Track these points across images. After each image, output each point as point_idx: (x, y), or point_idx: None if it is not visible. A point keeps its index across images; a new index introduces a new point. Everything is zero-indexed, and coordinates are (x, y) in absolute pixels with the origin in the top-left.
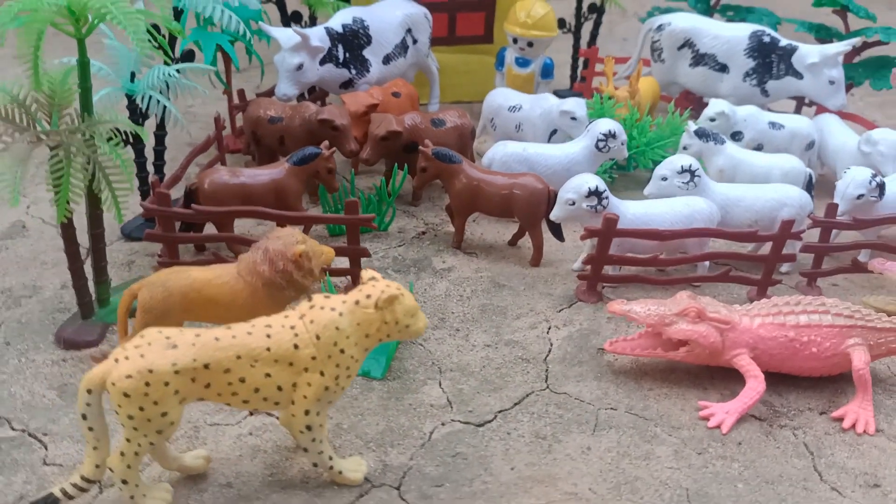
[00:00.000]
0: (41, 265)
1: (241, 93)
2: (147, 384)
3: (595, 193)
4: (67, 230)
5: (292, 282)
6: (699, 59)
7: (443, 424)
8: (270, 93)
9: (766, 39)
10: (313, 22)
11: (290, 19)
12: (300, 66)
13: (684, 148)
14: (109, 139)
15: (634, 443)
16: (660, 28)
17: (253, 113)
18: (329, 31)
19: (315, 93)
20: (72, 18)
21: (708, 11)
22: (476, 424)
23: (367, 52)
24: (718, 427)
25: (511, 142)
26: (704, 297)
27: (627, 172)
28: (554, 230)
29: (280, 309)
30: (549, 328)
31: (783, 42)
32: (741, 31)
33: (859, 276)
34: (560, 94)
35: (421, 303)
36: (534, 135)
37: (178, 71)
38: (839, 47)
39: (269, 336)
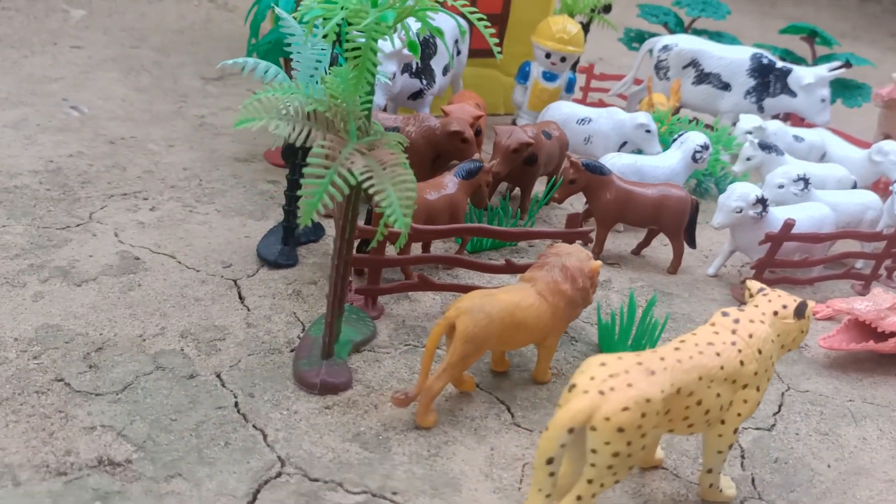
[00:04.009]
0: (196, 301)
1: None
2: (643, 415)
3: (761, 201)
4: (340, 265)
5: (587, 298)
6: (703, 77)
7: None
8: None
9: (765, 61)
10: None
11: None
12: (394, 76)
13: (747, 159)
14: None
15: (890, 428)
16: (665, 48)
17: None
18: None
19: None
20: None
21: (683, 33)
22: (766, 429)
23: (433, 63)
24: None
25: (623, 154)
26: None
27: None
28: (690, 238)
29: (564, 328)
30: None
31: (779, 64)
32: (742, 54)
33: None
34: None
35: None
36: (605, 147)
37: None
38: (829, 71)
39: (718, 354)
